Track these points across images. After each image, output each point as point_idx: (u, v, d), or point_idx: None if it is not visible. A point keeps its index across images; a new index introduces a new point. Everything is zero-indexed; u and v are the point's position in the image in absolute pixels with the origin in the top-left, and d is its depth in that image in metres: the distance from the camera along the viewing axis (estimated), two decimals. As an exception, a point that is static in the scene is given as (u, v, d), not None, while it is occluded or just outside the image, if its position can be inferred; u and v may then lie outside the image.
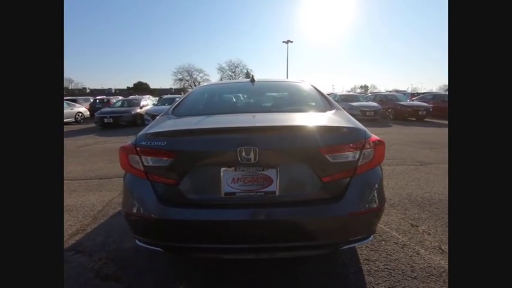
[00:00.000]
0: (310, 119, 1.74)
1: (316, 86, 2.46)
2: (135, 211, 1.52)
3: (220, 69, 52.03)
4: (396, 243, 2.15)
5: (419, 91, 41.67)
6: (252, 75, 2.63)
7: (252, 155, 1.37)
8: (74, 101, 16.44)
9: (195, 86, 51.44)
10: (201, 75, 52.66)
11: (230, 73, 51.41)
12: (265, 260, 1.91)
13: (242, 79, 3.12)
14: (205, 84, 3.05)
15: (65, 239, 2.40)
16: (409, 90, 46.17)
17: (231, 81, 2.82)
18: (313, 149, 1.41)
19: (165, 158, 1.45)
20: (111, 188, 3.73)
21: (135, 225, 1.58)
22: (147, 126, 1.75)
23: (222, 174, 1.43)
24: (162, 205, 1.45)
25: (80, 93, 50.09)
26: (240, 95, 2.74)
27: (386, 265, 1.87)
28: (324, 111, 1.94)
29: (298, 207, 1.41)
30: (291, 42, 36.39)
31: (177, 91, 48.87)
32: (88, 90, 58.73)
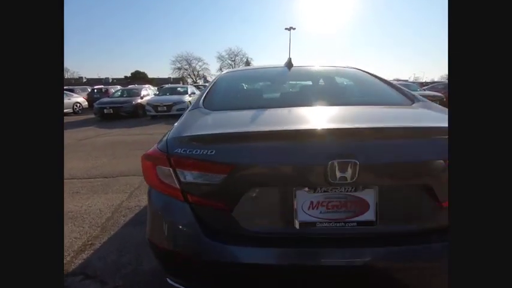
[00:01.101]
0: (423, 118, 1.31)
1: (374, 73, 1.99)
2: (167, 245, 1.11)
3: (220, 58, 50.66)
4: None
5: (421, 80, 40.50)
6: (290, 59, 2.13)
7: (349, 172, 0.93)
8: (71, 90, 15.85)
9: (194, 75, 50.54)
10: (200, 64, 51.41)
11: (230, 62, 50.09)
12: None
13: (276, 64, 2.58)
14: (230, 70, 2.57)
15: (70, 256, 2.01)
16: (411, 80, 45.19)
17: (262, 66, 2.30)
18: (435, 160, 0.98)
19: (214, 174, 1.01)
20: (118, 189, 3.32)
21: (168, 262, 1.17)
22: (177, 125, 1.30)
23: (295, 197, 1.01)
24: (208, 239, 1.02)
25: (77, 82, 48.90)
26: (281, 83, 2.22)
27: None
28: (409, 104, 1.47)
29: (408, 245, 0.98)
30: (294, 29, 35.20)
31: (176, 80, 47.74)
32: (84, 80, 57.30)
